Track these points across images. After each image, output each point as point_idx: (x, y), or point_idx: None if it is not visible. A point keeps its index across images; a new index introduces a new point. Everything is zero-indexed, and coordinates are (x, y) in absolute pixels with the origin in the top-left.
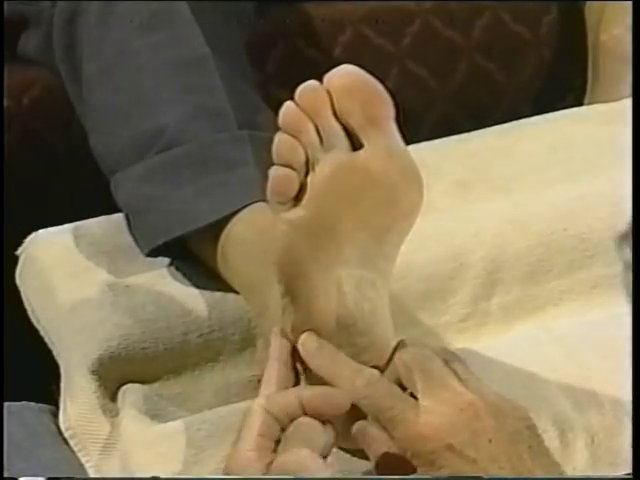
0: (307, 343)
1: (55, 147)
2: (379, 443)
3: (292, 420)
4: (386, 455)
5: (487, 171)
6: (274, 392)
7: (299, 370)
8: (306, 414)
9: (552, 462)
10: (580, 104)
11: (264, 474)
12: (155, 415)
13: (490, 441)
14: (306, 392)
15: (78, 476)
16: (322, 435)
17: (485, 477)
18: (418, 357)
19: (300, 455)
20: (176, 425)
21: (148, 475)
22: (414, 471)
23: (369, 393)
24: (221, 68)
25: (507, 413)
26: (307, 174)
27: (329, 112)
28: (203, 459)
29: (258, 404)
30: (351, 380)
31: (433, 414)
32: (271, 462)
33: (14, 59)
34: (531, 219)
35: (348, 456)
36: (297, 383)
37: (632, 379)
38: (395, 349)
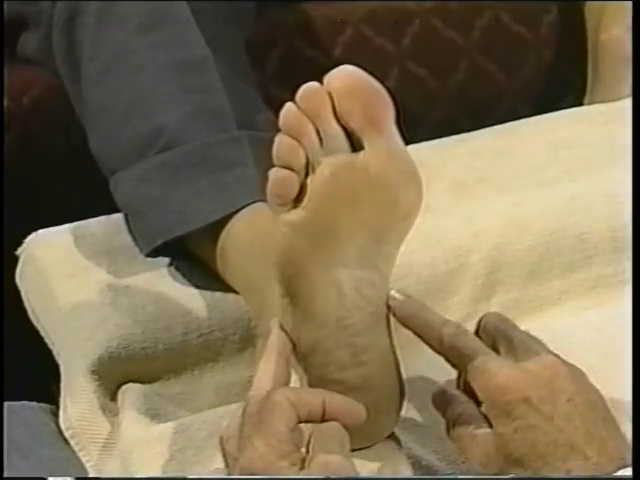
0: (395, 295)
1: (55, 147)
2: (456, 405)
3: (307, 420)
4: (459, 415)
5: (487, 171)
6: (299, 388)
7: (301, 369)
8: (323, 418)
9: (622, 436)
10: (580, 104)
11: (295, 474)
12: (155, 415)
13: (568, 401)
14: (332, 397)
15: (78, 476)
16: (348, 440)
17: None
18: (502, 325)
19: (336, 461)
20: (176, 425)
21: (148, 475)
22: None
23: (455, 342)
24: (221, 68)
25: (586, 382)
26: (307, 176)
27: (330, 114)
28: (203, 459)
29: (282, 395)
30: (438, 329)
31: (515, 368)
32: (301, 466)
33: (14, 59)
34: (531, 219)
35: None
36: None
37: (632, 379)
38: (480, 321)
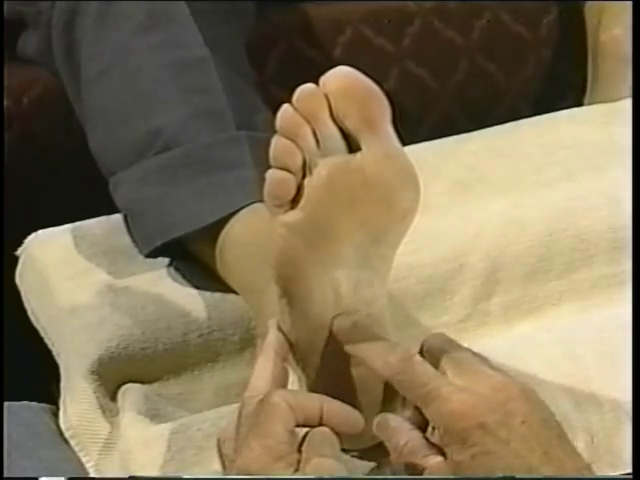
0: (341, 323)
1: (55, 147)
2: (400, 434)
3: (304, 425)
4: (405, 445)
5: (487, 171)
6: (298, 392)
7: (300, 370)
8: (320, 423)
9: (577, 453)
10: (580, 104)
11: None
12: (155, 415)
13: (523, 423)
14: (330, 404)
15: (78, 476)
16: (338, 444)
17: (494, 477)
18: (447, 346)
19: (329, 465)
20: (176, 425)
21: (148, 475)
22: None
23: (403, 369)
24: (220, 68)
25: (537, 400)
26: (304, 177)
27: (326, 115)
28: (203, 459)
29: (281, 397)
30: (385, 357)
31: (467, 392)
32: (296, 468)
33: (14, 59)
34: (531, 219)
35: (348, 456)
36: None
37: (632, 379)
38: (422, 345)
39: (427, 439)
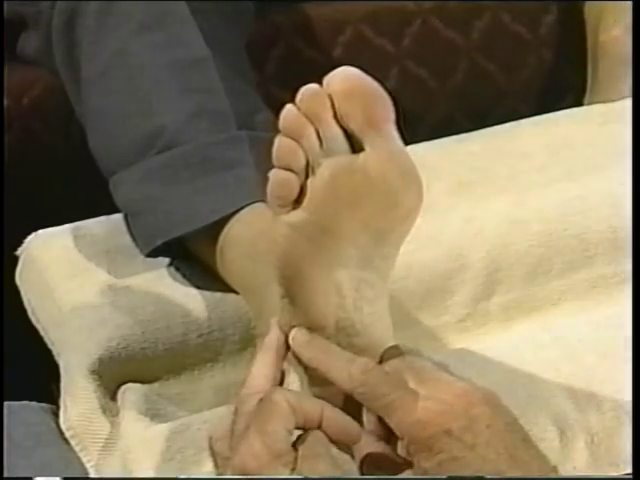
0: (297, 337)
1: (55, 147)
2: (363, 447)
3: (303, 428)
4: (369, 456)
5: (487, 171)
6: (300, 394)
7: (301, 369)
8: (318, 428)
9: (543, 455)
10: (580, 104)
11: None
12: (155, 415)
13: (488, 427)
14: (330, 411)
15: (78, 476)
16: (330, 447)
17: (487, 477)
18: (406, 358)
19: (326, 466)
20: (176, 425)
21: (148, 475)
22: (399, 471)
23: (365, 380)
24: (221, 68)
25: (499, 404)
26: (307, 177)
27: (329, 116)
28: (203, 459)
29: (283, 397)
30: (346, 369)
31: (431, 400)
32: (293, 467)
33: (14, 59)
34: (531, 219)
35: (348, 457)
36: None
37: (632, 379)
38: (382, 356)
39: (392, 450)
